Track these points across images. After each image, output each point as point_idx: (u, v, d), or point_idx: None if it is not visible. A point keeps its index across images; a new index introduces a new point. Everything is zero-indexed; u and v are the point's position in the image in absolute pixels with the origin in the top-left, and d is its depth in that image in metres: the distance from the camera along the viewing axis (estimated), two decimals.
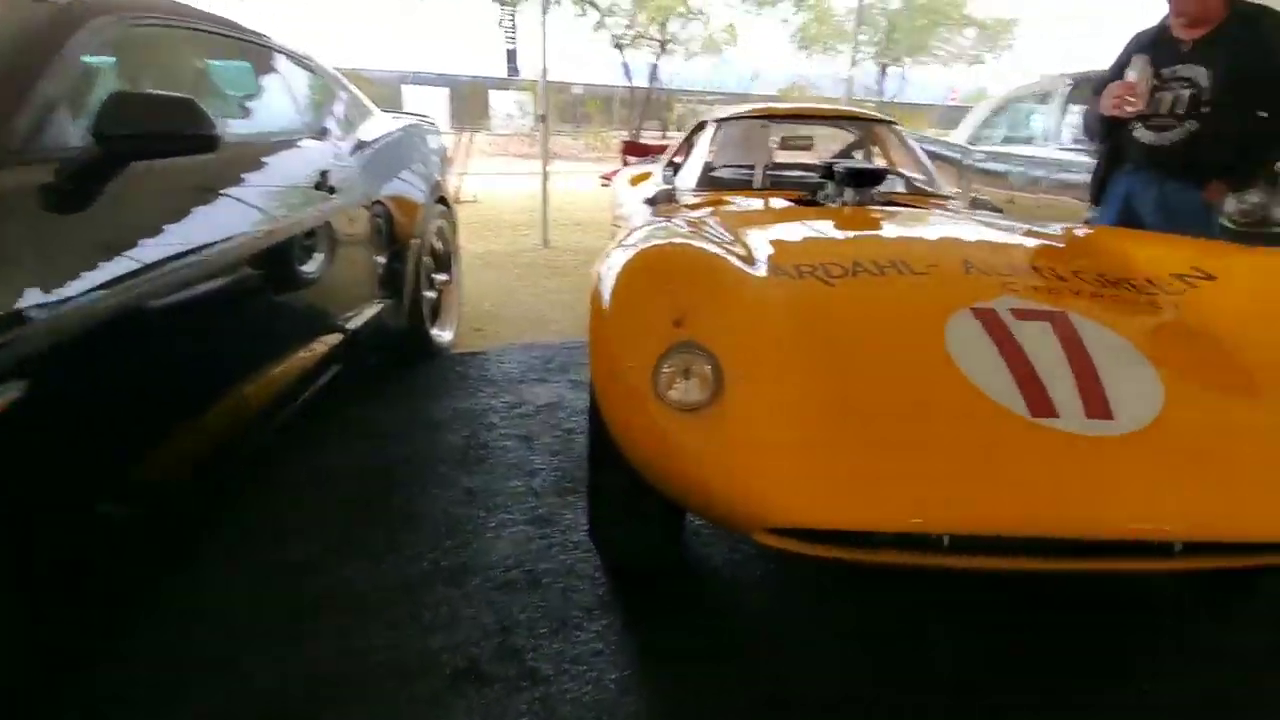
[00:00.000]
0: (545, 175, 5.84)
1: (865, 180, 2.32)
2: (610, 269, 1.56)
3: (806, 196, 2.66)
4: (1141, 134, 2.39)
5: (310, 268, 2.06)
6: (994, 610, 1.62)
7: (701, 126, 3.61)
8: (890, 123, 3.28)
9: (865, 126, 3.44)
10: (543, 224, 5.92)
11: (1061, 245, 1.95)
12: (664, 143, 6.38)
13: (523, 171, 11.78)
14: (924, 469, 1.19)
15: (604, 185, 5.99)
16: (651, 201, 2.84)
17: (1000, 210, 3.89)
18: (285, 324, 2.00)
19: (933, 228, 2.12)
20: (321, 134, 2.44)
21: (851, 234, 2.02)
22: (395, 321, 2.79)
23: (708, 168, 3.15)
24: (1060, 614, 1.61)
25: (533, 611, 1.56)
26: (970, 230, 2.09)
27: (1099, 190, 2.58)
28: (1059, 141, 4.62)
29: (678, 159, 3.79)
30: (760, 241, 1.81)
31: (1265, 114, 2.20)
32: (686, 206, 2.65)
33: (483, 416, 2.55)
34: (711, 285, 1.46)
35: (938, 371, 1.32)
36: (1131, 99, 2.31)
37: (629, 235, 2.06)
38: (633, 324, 1.37)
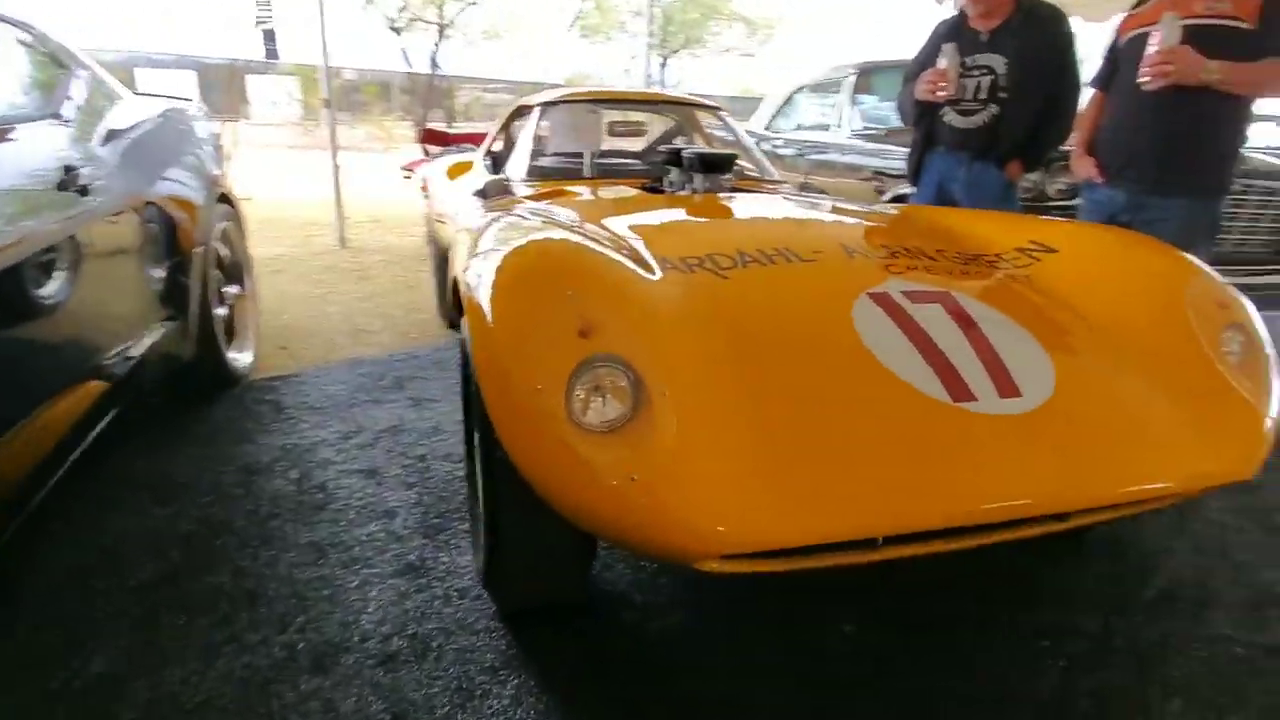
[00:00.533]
0: (336, 168, 5.26)
1: (716, 166, 2.27)
2: (484, 275, 1.34)
3: (650, 184, 2.57)
4: (951, 118, 2.57)
5: (62, 291, 1.59)
6: (894, 596, 1.63)
7: (521, 112, 3.39)
8: (715, 109, 3.28)
9: (689, 112, 3.42)
10: (338, 222, 5.34)
11: (911, 225, 2.01)
12: (470, 131, 6.01)
13: (299, 164, 10.68)
14: (869, 470, 1.13)
15: (406, 177, 5.54)
16: (483, 194, 2.58)
17: (826, 193, 4.08)
18: (35, 365, 1.53)
19: (791, 212, 2.11)
20: (59, 120, 1.92)
21: (719, 222, 1.94)
22: (182, 347, 2.30)
23: (536, 155, 2.95)
24: (950, 592, 1.66)
25: (429, 687, 1.31)
26: (826, 214, 2.11)
27: (916, 171, 2.75)
28: (849, 128, 4.97)
29: (496, 147, 3.54)
30: (631, 234, 1.68)
31: (1046, 99, 2.45)
32: (526, 198, 2.44)
33: (312, 453, 2.18)
34: (609, 286, 1.30)
35: (858, 362, 1.27)
36: (943, 85, 2.47)
37: (487, 233, 1.83)
38: (533, 339, 1.17)
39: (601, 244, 1.52)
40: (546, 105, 3.01)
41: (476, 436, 1.59)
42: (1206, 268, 1.62)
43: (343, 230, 5.36)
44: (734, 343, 1.27)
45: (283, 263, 4.75)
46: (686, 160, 2.27)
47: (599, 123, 2.87)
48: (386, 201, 7.60)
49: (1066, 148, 2.66)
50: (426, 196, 4.26)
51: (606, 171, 2.92)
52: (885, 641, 1.49)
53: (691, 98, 3.33)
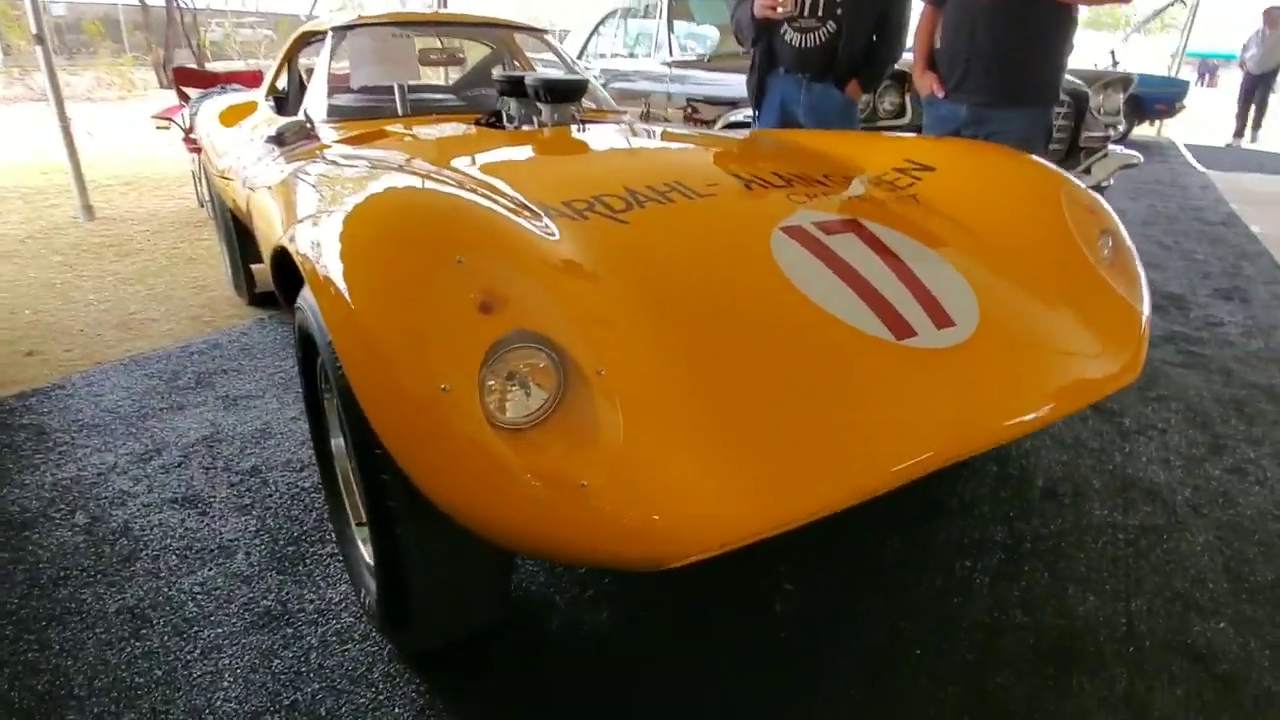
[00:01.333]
0: (66, 121, 4.25)
1: (566, 95, 1.99)
2: (328, 242, 1.03)
3: (484, 119, 2.26)
4: (790, 36, 2.48)
5: None
6: (820, 540, 1.57)
7: (306, 40, 2.87)
8: (540, 31, 2.96)
9: (508, 36, 3.06)
10: (78, 188, 4.36)
11: (785, 151, 1.89)
12: (235, 69, 5.11)
13: (6, 120, 8.75)
14: (833, 433, 1.00)
15: (162, 128, 4.66)
16: (279, 141, 2.13)
17: (670, 121, 3.90)
18: None
19: (661, 142, 1.92)
20: None
21: (589, 158, 1.70)
22: None
23: (335, 92, 2.50)
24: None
25: None
26: (698, 143, 1.94)
27: (758, 94, 2.65)
28: (663, 55, 4.82)
29: (281, 84, 2.98)
30: (492, 177, 1.41)
31: (879, 16, 2.43)
32: (337, 142, 2.04)
33: (100, 486, 1.71)
34: (501, 243, 1.04)
35: (794, 306, 1.13)
36: (781, 1, 2.36)
37: (302, 187, 1.47)
38: (423, 323, 0.89)
39: (466, 191, 1.25)
40: (340, 31, 2.53)
41: (344, 446, 1.29)
42: (1072, 176, 1.65)
43: (85, 198, 4.39)
44: (657, 300, 1.08)
45: (8, 244, 3.80)
46: (532, 89, 1.98)
47: (412, 50, 2.46)
48: (137, 159, 6.39)
49: (900, 67, 2.69)
50: (197, 150, 3.57)
51: (422, 108, 2.54)
52: (826, 595, 1.42)
53: (512, 20, 2.97)
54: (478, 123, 2.25)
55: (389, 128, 2.12)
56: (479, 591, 1.14)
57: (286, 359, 2.40)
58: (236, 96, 3.22)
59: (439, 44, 3.07)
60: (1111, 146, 3.71)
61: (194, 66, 5.72)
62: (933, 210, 1.55)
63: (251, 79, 4.96)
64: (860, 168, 1.74)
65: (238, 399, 2.13)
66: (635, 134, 1.96)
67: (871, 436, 1.01)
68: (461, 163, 1.56)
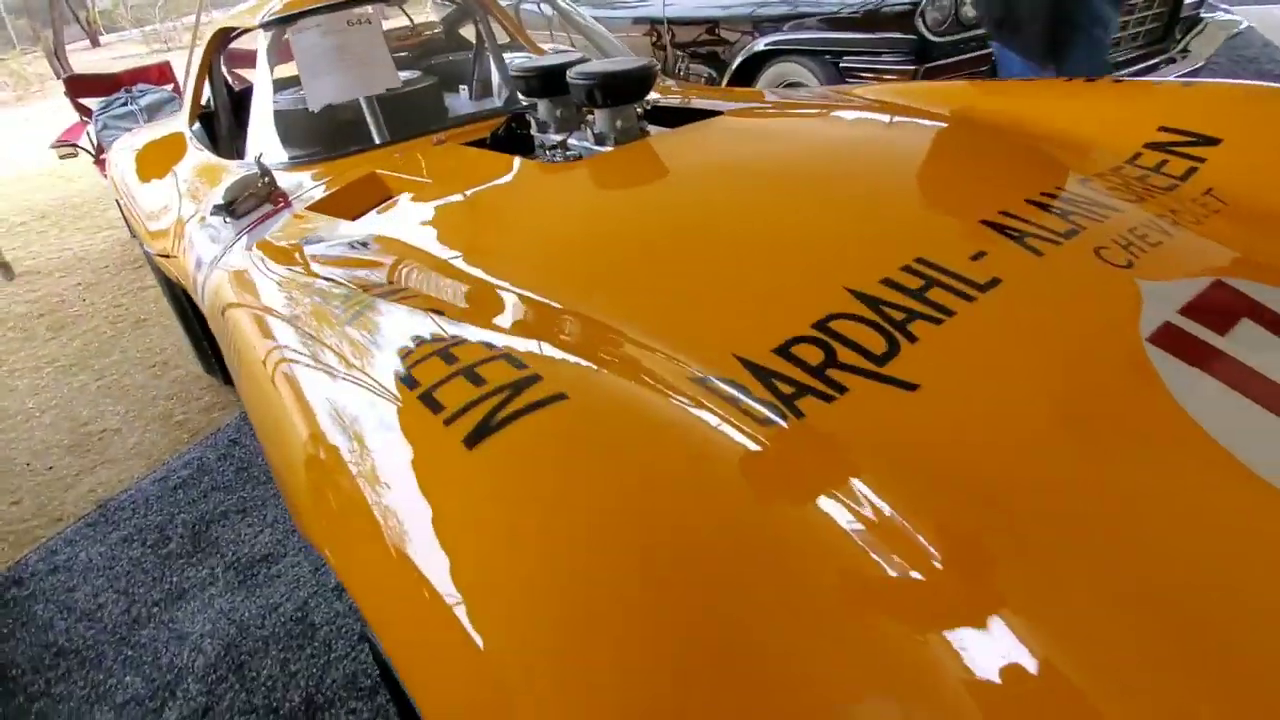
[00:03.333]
0: None
1: (630, 93, 1.37)
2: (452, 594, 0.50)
3: (500, 128, 1.66)
4: None
5: None
6: None
7: (225, 38, 2.18)
8: None
9: None
10: None
11: (995, 141, 1.26)
12: (137, 65, 4.25)
13: None
14: None
15: (67, 157, 3.91)
16: (231, 210, 1.51)
17: (712, 76, 3.22)
18: None
19: (806, 152, 1.26)
20: None
21: (745, 221, 1.04)
22: None
23: (287, 118, 1.87)
24: None
25: None
26: (861, 137, 1.33)
27: (1051, 39, 1.79)
28: None
29: (204, 99, 2.30)
30: (629, 316, 0.83)
31: None
32: (311, 208, 1.44)
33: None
34: (786, 588, 0.51)
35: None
36: None
37: (325, 381, 0.91)
38: None
39: (628, 373, 0.70)
40: (274, 28, 1.86)
41: None
42: None
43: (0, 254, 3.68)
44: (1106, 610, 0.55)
45: None
46: (582, 89, 1.36)
47: (380, 41, 1.78)
48: (46, 181, 5.56)
49: None
50: (119, 199, 2.88)
51: (398, 116, 1.88)
52: None
53: None
54: (494, 137, 1.64)
55: (381, 172, 1.50)
56: None
57: None
58: (153, 130, 2.50)
59: (405, 20, 2.37)
60: (1207, 14, 3.10)
61: (90, 73, 4.75)
62: (1264, 221, 1.02)
63: (158, 75, 4.17)
64: (1101, 147, 1.19)
65: (252, 564, 1.60)
66: (748, 136, 1.35)
67: None
68: (547, 260, 0.99)
